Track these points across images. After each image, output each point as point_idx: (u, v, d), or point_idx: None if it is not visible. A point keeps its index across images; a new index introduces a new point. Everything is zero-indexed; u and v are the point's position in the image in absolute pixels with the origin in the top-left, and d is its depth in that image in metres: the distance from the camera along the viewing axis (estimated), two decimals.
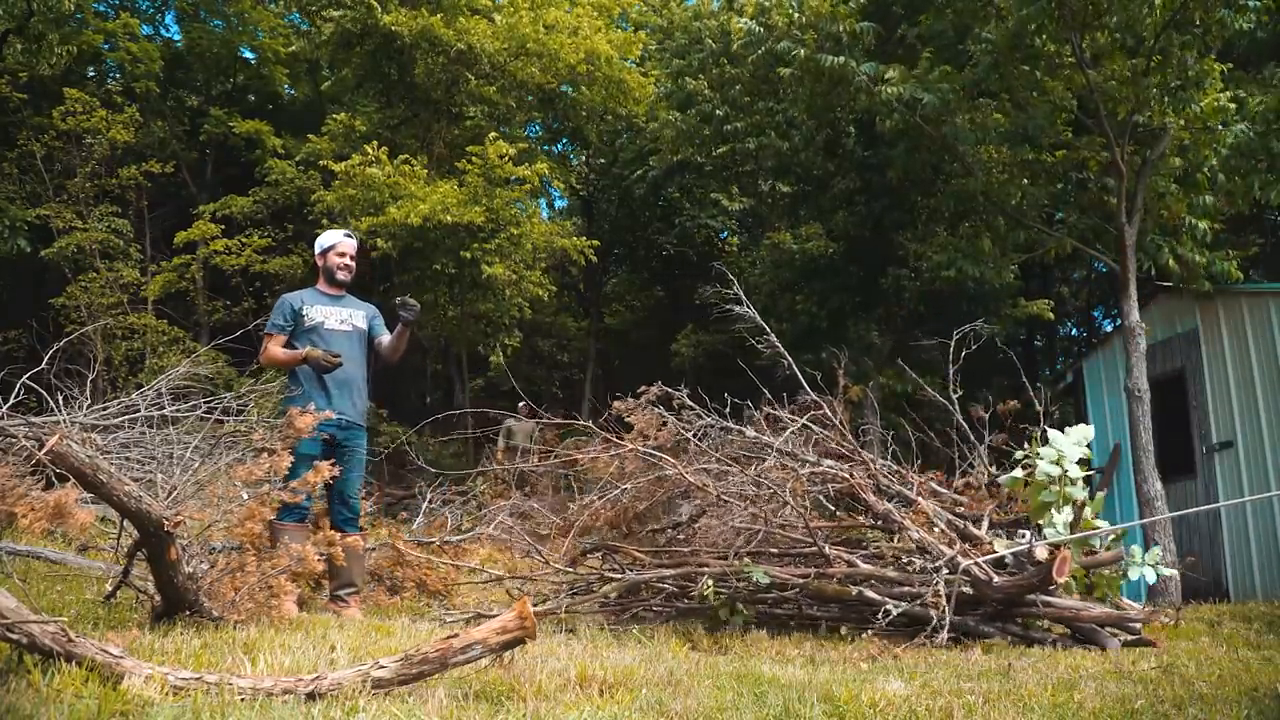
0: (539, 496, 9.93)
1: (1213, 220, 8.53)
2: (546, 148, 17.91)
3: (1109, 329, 15.30)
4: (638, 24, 16.49)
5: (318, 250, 4.70)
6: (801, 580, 4.31)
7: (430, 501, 7.67)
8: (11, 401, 4.90)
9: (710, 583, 4.17)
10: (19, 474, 5.50)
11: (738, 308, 5.30)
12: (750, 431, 5.02)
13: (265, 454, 3.63)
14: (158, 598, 3.07)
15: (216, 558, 3.61)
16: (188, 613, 3.03)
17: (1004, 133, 8.68)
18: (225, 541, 4.24)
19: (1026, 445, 4.57)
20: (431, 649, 2.14)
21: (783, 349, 5.23)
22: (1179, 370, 9.20)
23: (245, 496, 3.90)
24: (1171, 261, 8.47)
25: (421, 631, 3.55)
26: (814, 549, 4.40)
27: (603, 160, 18.76)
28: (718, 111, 13.11)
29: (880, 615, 3.91)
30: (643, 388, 4.98)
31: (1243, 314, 8.59)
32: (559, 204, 21.18)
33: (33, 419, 4.86)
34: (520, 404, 12.32)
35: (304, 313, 4.45)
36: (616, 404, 5.00)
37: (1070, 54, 7.75)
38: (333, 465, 3.79)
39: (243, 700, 1.92)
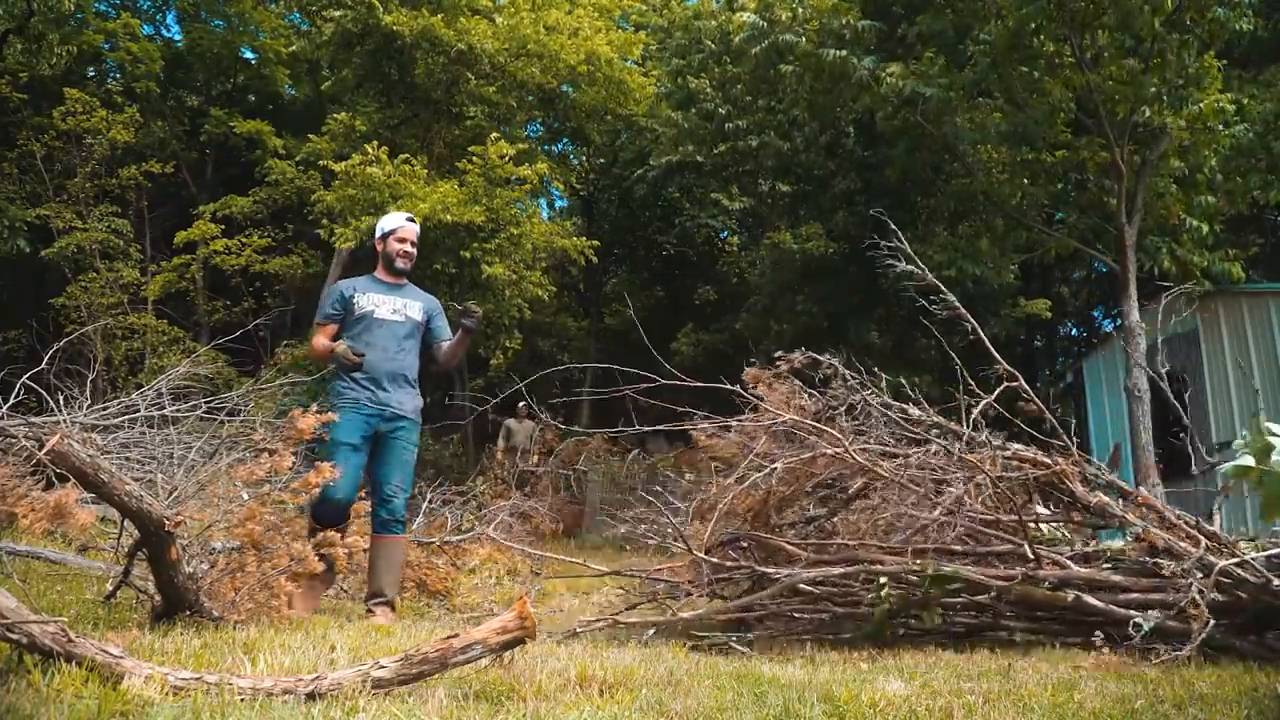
0: (539, 497, 9.94)
1: (1212, 221, 8.54)
2: (546, 148, 17.91)
3: (1109, 329, 15.31)
4: (638, 24, 16.51)
5: (377, 234, 4.44)
6: (1003, 583, 3.55)
7: (430, 501, 7.66)
8: (11, 401, 4.90)
9: (885, 584, 3.54)
10: (19, 474, 5.50)
11: (905, 265, 4.61)
12: (915, 411, 4.37)
13: (266, 454, 3.62)
14: (158, 598, 3.07)
15: (217, 558, 3.61)
16: (188, 613, 3.03)
17: (1004, 133, 8.69)
18: (225, 541, 4.24)
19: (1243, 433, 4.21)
20: (431, 649, 2.14)
21: (962, 309, 4.57)
22: (1179, 370, 9.20)
23: (245, 497, 3.90)
24: (1168, 262, 8.49)
25: (422, 631, 3.55)
26: (1009, 547, 3.75)
27: (603, 160, 18.77)
28: (719, 110, 13.13)
29: (1131, 628, 3.23)
30: (778, 353, 4.46)
31: (1243, 314, 8.59)
32: (559, 204, 21.19)
33: (33, 419, 4.86)
34: (520, 404, 12.36)
35: (355, 301, 4.21)
36: (749, 372, 4.50)
37: (1069, 54, 7.76)
38: (332, 467, 3.64)
39: (243, 700, 1.92)
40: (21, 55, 13.80)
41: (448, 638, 2.18)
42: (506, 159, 11.89)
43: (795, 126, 12.27)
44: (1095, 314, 19.97)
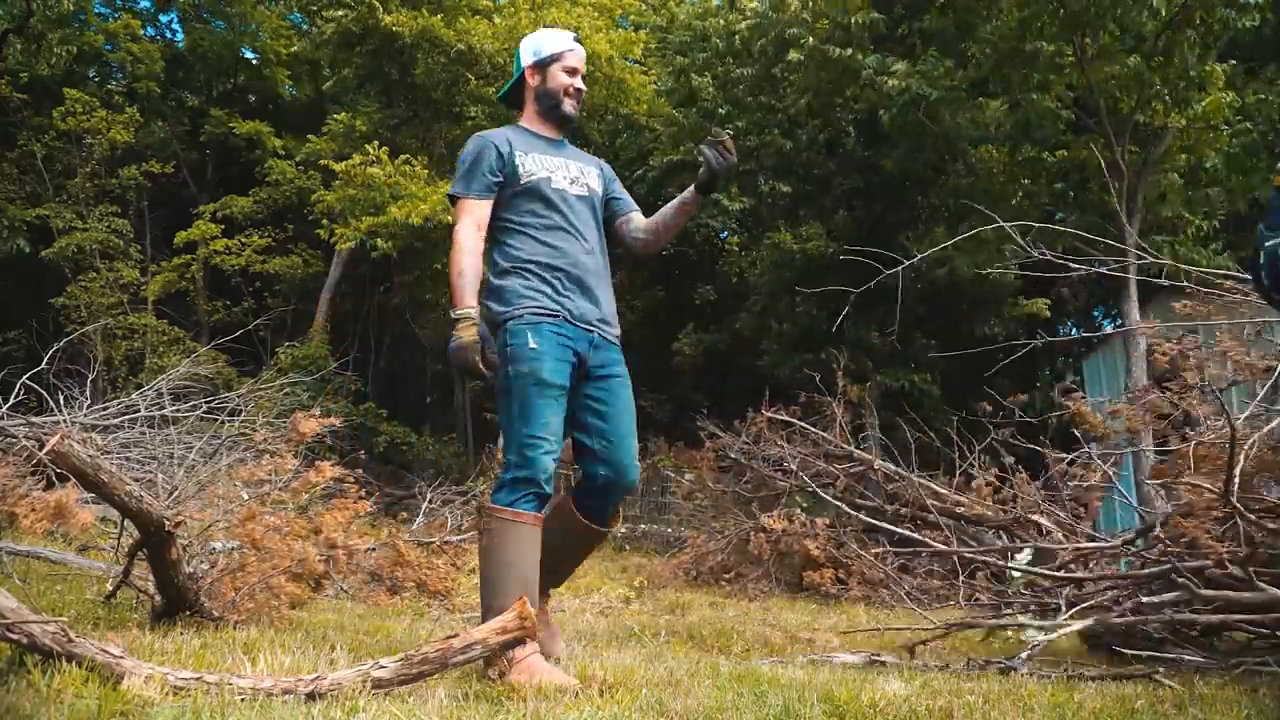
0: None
1: (1213, 219, 8.55)
2: None
3: (1109, 329, 15.30)
4: (638, 24, 16.51)
5: (530, 60, 2.86)
6: None
7: (430, 501, 7.66)
8: (11, 401, 4.90)
9: None
10: (19, 474, 5.51)
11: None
12: None
13: (266, 455, 3.61)
14: (158, 598, 3.08)
15: (216, 558, 3.62)
16: (188, 613, 3.03)
17: (1004, 132, 8.70)
18: (225, 541, 4.24)
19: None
20: (431, 649, 2.14)
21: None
22: (1178, 371, 9.19)
23: (245, 497, 3.90)
24: (1169, 262, 8.50)
25: (422, 631, 3.55)
26: None
27: (603, 160, 18.78)
28: (719, 110, 13.13)
29: None
30: None
31: (1243, 314, 8.59)
32: None
33: (33, 419, 4.87)
34: None
35: (516, 161, 2.75)
36: None
37: (1071, 53, 7.76)
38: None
39: (243, 700, 1.92)
40: (21, 55, 13.80)
41: (448, 638, 2.18)
42: None
43: (796, 125, 12.27)
44: (1095, 314, 19.97)
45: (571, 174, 2.87)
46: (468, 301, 2.58)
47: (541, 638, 2.56)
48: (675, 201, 2.93)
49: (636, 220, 3.01)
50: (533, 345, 2.57)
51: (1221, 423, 3.26)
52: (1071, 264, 4.22)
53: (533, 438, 2.53)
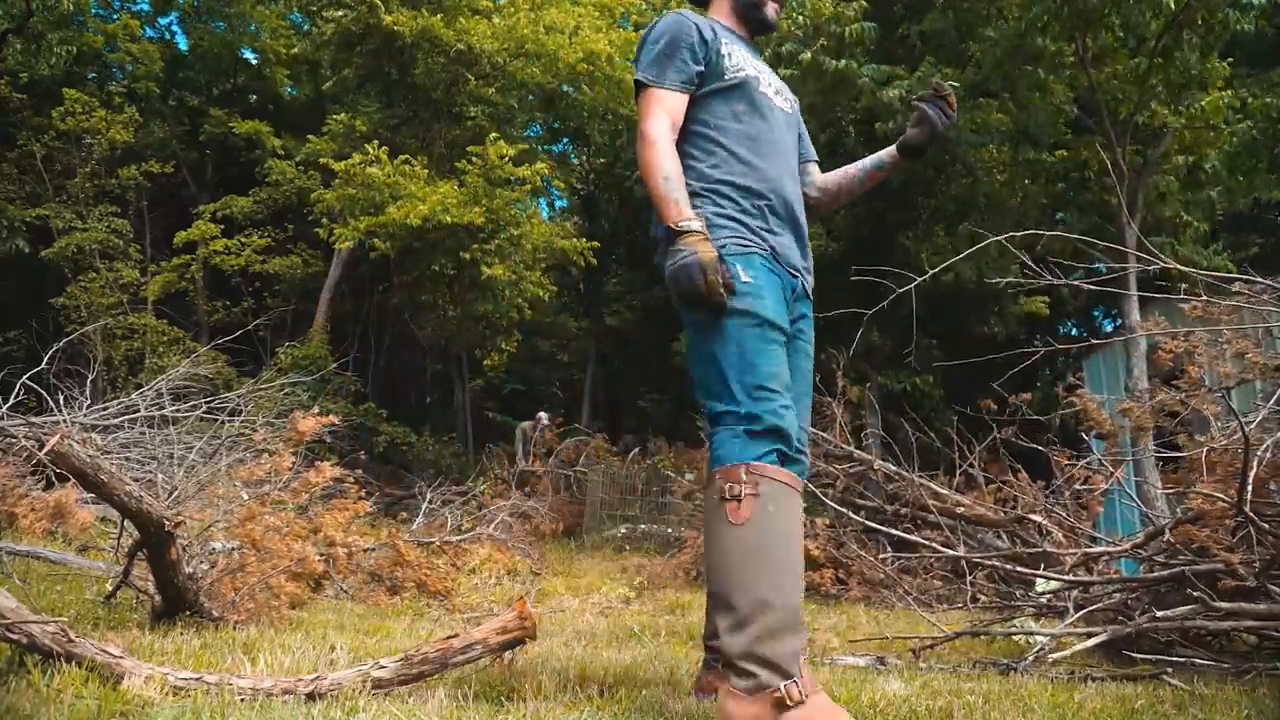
0: (538, 497, 9.94)
1: (1213, 219, 8.56)
2: (547, 148, 17.92)
3: (1109, 329, 15.31)
4: (639, 24, 16.51)
5: None
6: None
7: (430, 501, 7.67)
8: (11, 401, 4.90)
9: None
10: (19, 474, 5.51)
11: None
12: None
13: (266, 455, 3.61)
14: (158, 598, 3.07)
15: (217, 558, 3.62)
16: (188, 613, 3.03)
17: (1005, 133, 8.70)
18: (225, 541, 4.24)
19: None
20: (431, 649, 2.14)
21: None
22: (1179, 370, 9.20)
23: (245, 497, 3.90)
24: (1170, 262, 8.51)
25: (422, 631, 3.55)
26: None
27: (603, 160, 18.78)
28: None
29: None
30: None
31: (1243, 314, 8.59)
32: (559, 204, 21.22)
33: (33, 419, 4.86)
34: (540, 413, 12.43)
35: (724, 53, 2.17)
36: None
37: (1073, 53, 7.76)
38: (352, 460, 3.56)
39: (243, 700, 1.92)
40: (21, 55, 13.81)
41: (448, 638, 2.18)
42: (506, 159, 11.89)
43: None
44: (1095, 314, 19.97)
45: (775, 85, 2.31)
46: (688, 210, 1.98)
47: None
48: (868, 162, 2.42)
49: (814, 173, 2.46)
50: (746, 279, 1.99)
51: (1233, 426, 3.24)
52: (1073, 266, 4.22)
53: (761, 389, 1.94)
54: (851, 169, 2.43)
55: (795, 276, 2.16)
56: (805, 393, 2.24)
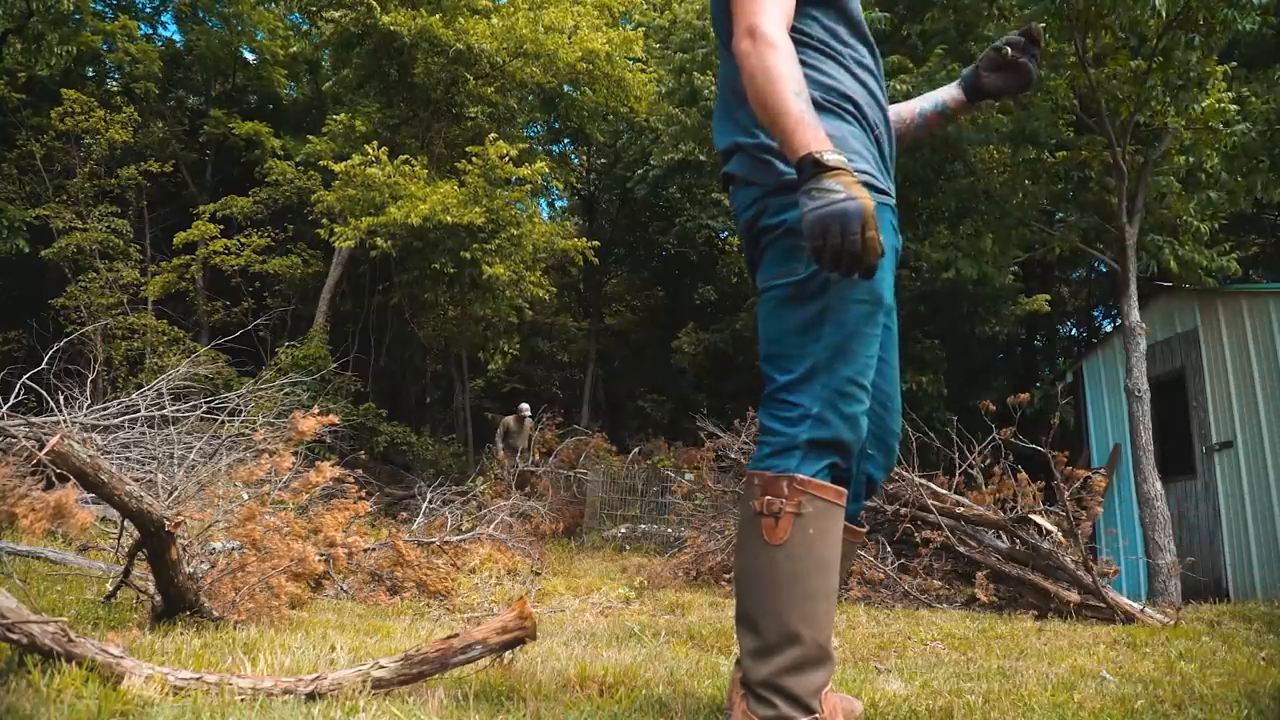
0: (538, 497, 9.94)
1: (1213, 220, 8.55)
2: (547, 148, 17.92)
3: (1109, 329, 15.31)
4: (639, 24, 16.50)
5: None
6: None
7: (430, 501, 7.67)
8: (11, 401, 4.90)
9: None
10: (19, 474, 5.50)
11: None
12: None
13: (266, 454, 3.61)
14: (158, 598, 3.07)
15: (217, 558, 3.61)
16: (188, 613, 3.03)
17: (1006, 132, 8.69)
18: (225, 541, 4.25)
19: None
20: (431, 649, 2.14)
21: None
22: (1179, 370, 9.21)
23: (245, 497, 3.90)
24: (1173, 263, 8.49)
25: (422, 631, 3.55)
26: None
27: (604, 160, 18.79)
28: None
29: None
30: None
31: (1243, 314, 8.59)
32: (559, 204, 21.22)
33: (33, 419, 4.86)
34: (522, 404, 12.37)
35: None
36: None
37: (1073, 53, 7.75)
38: (345, 460, 3.58)
39: (243, 700, 1.92)
40: (21, 55, 13.82)
41: (448, 638, 2.18)
42: (506, 159, 11.90)
43: None
44: (1095, 314, 19.98)
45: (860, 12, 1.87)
46: (826, 140, 1.47)
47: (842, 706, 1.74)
48: (925, 105, 2.04)
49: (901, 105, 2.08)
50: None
51: None
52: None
53: (853, 385, 1.63)
54: (904, 111, 2.00)
55: (899, 236, 1.77)
56: (896, 366, 1.88)
